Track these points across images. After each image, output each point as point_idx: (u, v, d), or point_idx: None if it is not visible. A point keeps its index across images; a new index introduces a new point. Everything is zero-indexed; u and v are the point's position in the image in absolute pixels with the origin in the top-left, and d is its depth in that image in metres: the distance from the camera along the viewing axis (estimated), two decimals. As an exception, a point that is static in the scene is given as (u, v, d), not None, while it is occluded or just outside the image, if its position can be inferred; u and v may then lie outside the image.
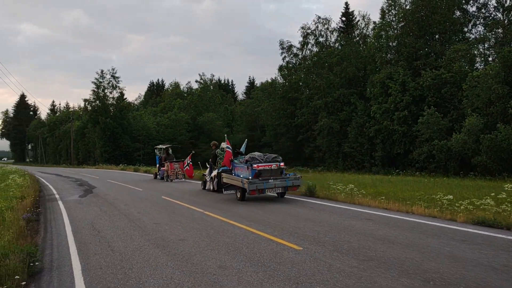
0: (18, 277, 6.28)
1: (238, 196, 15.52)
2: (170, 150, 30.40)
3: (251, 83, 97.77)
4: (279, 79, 57.59)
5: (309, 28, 51.29)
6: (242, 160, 15.72)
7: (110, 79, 69.82)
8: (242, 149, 19.64)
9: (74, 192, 21.39)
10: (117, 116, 67.34)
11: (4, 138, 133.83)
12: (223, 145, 18.45)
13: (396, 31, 39.58)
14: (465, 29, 39.02)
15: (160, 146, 31.90)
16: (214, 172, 19.22)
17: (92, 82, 69.67)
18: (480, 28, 38.72)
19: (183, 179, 27.02)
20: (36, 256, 7.31)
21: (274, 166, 15.02)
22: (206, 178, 20.28)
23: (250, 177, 14.41)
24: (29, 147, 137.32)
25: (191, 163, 26.09)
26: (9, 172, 36.58)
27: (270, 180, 14.35)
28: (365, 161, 40.71)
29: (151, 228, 10.33)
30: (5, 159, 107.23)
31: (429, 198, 12.86)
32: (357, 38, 49.97)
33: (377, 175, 32.67)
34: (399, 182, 21.77)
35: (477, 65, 37.12)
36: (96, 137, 69.24)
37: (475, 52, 36.21)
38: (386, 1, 40.37)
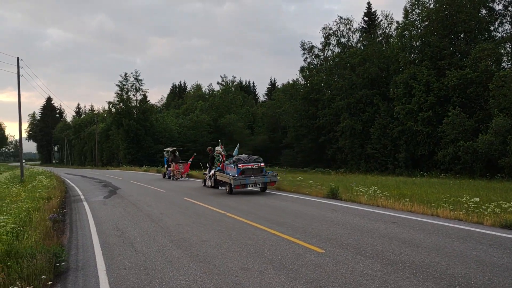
0: (44, 276, 6.42)
1: (227, 190, 18.84)
2: (177, 152, 33.83)
3: (272, 84, 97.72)
4: (301, 80, 57.31)
5: (330, 29, 50.96)
6: (231, 161, 19.08)
7: (134, 82, 70.87)
8: (235, 152, 22.00)
9: (99, 193, 21.73)
10: (140, 118, 68.19)
11: (31, 140, 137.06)
12: (218, 149, 21.50)
13: (419, 30, 38.92)
14: (491, 28, 38.08)
15: (168, 149, 34.66)
16: (212, 172, 22.17)
17: (116, 85, 70.90)
18: (507, 27, 37.76)
19: (187, 178, 30.31)
20: (62, 257, 7.44)
21: (255, 166, 18.63)
22: (206, 176, 23.65)
23: (236, 175, 17.89)
24: (55, 149, 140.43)
25: (190, 162, 31.72)
26: (36, 174, 37.48)
27: (251, 177, 17.81)
28: (388, 163, 40.14)
29: (174, 229, 10.40)
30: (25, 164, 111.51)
31: (454, 201, 12.59)
32: (380, 38, 49.33)
33: (401, 176, 32.17)
34: (424, 184, 21.40)
35: (504, 64, 36.18)
36: (120, 139, 70.25)
37: (502, 51, 35.27)
38: (409, 1, 39.76)
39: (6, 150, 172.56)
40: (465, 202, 11.72)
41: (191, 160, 32.15)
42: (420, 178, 28.44)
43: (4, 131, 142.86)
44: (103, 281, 6.47)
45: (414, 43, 39.51)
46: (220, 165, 20.65)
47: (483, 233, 8.81)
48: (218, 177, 20.08)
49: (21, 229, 9.66)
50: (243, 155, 19.83)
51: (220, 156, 21.03)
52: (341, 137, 45.49)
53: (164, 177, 32.79)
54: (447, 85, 33.78)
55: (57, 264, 7.09)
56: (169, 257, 7.68)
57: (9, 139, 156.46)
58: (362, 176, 32.63)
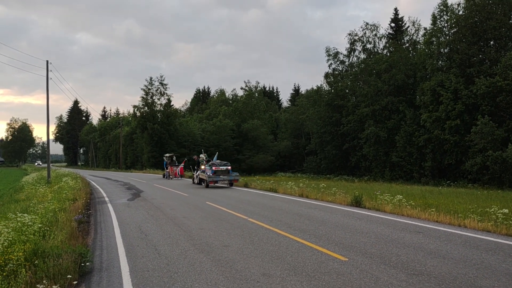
0: (70, 276, 6.51)
1: (204, 185, 27.20)
2: (174, 157, 42.54)
3: (296, 90, 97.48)
4: (325, 86, 56.97)
5: (356, 35, 50.60)
6: (208, 165, 27.10)
7: (159, 86, 71.69)
8: (215, 159, 30.28)
9: (123, 195, 22.03)
10: (164, 122, 68.91)
11: (58, 142, 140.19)
12: (201, 156, 29.84)
13: (448, 37, 38.26)
14: (523, 35, 37.14)
15: (167, 154, 43.42)
16: (197, 173, 29.48)
17: (142, 89, 71.85)
18: (539, 34, 36.73)
19: (180, 178, 39.03)
20: (87, 257, 7.55)
21: (224, 168, 26.63)
22: (194, 176, 30.70)
23: (211, 174, 25.97)
24: (81, 151, 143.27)
25: (182, 166, 41.30)
26: (62, 175, 38.22)
27: (221, 176, 26.21)
28: (414, 171, 39.43)
29: (196, 233, 10.44)
30: (39, 163, 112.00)
31: (482, 212, 12.25)
32: (407, 45, 48.71)
33: (427, 186, 31.57)
34: (450, 194, 20.94)
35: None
36: (144, 142, 71.12)
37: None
38: (437, 7, 39.14)
39: (34, 151, 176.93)
40: (493, 213, 11.38)
41: (183, 164, 41.43)
42: (446, 188, 27.86)
43: (32, 133, 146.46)
44: (126, 283, 6.52)
45: (442, 50, 38.86)
46: (202, 168, 28.33)
47: (513, 246, 8.54)
48: (200, 176, 28.30)
49: (48, 229, 9.85)
50: (217, 161, 28.15)
51: (204, 161, 28.85)
52: (365, 144, 44.96)
53: (163, 177, 41.03)
54: (475, 93, 33.04)
55: (82, 264, 7.20)
56: (191, 261, 7.69)
57: (37, 140, 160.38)
58: (386, 184, 32.16)
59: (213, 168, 26.16)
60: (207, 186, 26.31)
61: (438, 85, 35.99)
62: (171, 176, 38.93)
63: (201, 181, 28.34)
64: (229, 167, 26.94)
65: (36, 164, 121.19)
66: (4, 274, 6.54)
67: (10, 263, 6.88)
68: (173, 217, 13.19)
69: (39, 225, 9.72)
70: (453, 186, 31.61)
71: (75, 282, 6.52)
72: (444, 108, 34.89)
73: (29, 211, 12.49)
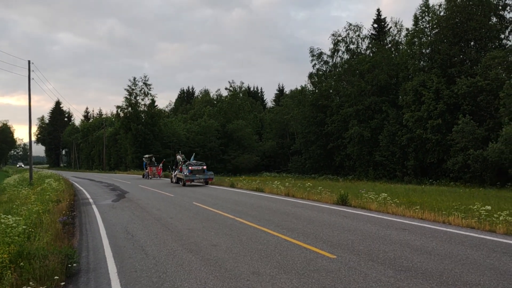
0: (57, 277, 6.43)
1: (181, 184, 28.65)
2: (153, 158, 44.25)
3: (281, 90, 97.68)
4: (309, 86, 57.21)
5: (339, 35, 50.91)
6: (186, 164, 28.67)
7: (142, 87, 71.08)
8: (192, 159, 31.89)
9: (107, 196, 21.80)
10: (149, 123, 68.39)
11: (40, 144, 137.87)
12: (178, 157, 31.48)
13: (429, 37, 38.81)
14: (502, 36, 37.82)
15: (146, 155, 45.25)
16: (175, 173, 31.35)
17: (125, 89, 71.13)
18: (518, 35, 37.53)
19: (158, 178, 41.00)
20: (74, 258, 7.46)
21: (200, 168, 28.36)
22: (172, 176, 32.55)
23: (187, 174, 27.61)
24: (63, 152, 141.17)
25: (162, 166, 43.23)
26: (44, 177, 37.63)
27: (197, 175, 27.91)
28: (397, 170, 39.91)
29: (184, 233, 10.40)
30: (21, 165, 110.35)
31: (466, 209, 12.47)
32: (389, 45, 49.24)
33: (410, 184, 31.99)
34: (433, 192, 21.26)
35: (515, 72, 35.94)
36: (128, 143, 70.48)
37: (513, 59, 35.08)
38: (419, 8, 39.70)
39: (15, 153, 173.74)
40: (476, 210, 11.60)
41: (161, 164, 43.52)
42: (429, 186, 28.27)
43: (13, 134, 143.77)
44: (114, 283, 6.47)
45: (423, 51, 39.40)
46: (179, 168, 29.73)
47: (496, 241, 8.72)
48: (178, 176, 29.97)
49: (32, 230, 9.69)
50: (194, 161, 29.99)
51: (181, 162, 30.30)
52: (349, 144, 45.33)
53: (143, 177, 42.94)
54: (457, 92, 33.60)
55: (69, 265, 7.11)
56: (179, 261, 7.66)
57: (18, 142, 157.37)
58: (370, 183, 32.49)
59: (190, 167, 27.98)
60: (184, 185, 27.97)
61: (420, 85, 36.50)
62: (150, 176, 41.03)
63: (178, 180, 30.00)
64: (205, 167, 28.88)
65: (18, 165, 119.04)
66: (-11, 276, 6.42)
67: (-5, 265, 6.75)
68: (160, 218, 13.11)
69: (24, 227, 9.54)
70: (436, 184, 32.08)
71: (62, 283, 6.44)
72: (426, 108, 35.39)
73: (12, 213, 12.24)
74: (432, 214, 11.84)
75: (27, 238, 8.91)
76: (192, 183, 28.38)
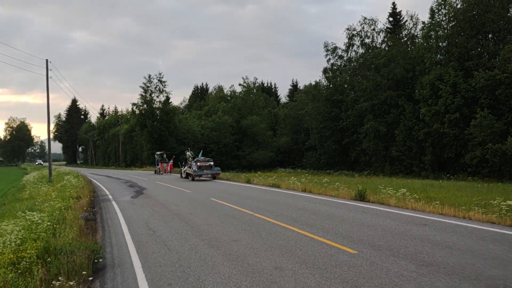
0: (85, 272, 6.59)
1: (190, 179, 30.62)
2: (165, 155, 46.78)
3: (294, 86, 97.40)
4: (323, 81, 57.01)
5: (354, 29, 50.57)
6: (194, 161, 30.80)
7: (157, 84, 71.62)
8: (200, 155, 33.71)
9: (126, 193, 22.10)
10: (164, 120, 68.90)
11: (57, 141, 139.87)
12: (187, 153, 34.16)
13: (446, 31, 38.33)
14: (521, 28, 37.22)
15: (158, 152, 47.52)
16: (184, 168, 33.29)
17: (140, 86, 71.73)
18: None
19: (169, 173, 42.58)
20: (100, 253, 7.62)
21: (207, 164, 30.41)
22: (182, 171, 34.34)
23: (196, 169, 29.62)
24: (80, 149, 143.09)
25: (172, 163, 44.93)
26: (63, 174, 38.22)
27: (204, 170, 29.82)
28: (414, 165, 39.60)
29: (204, 228, 10.53)
30: (40, 162, 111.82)
31: (486, 204, 12.38)
32: (405, 39, 48.72)
33: (427, 179, 31.71)
34: (451, 187, 21.07)
35: (534, 65, 35.29)
36: (144, 140, 71.13)
37: (532, 51, 34.44)
38: (435, 0, 39.19)
39: (32, 150, 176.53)
40: (497, 205, 11.51)
41: (172, 161, 45.41)
42: (447, 181, 28.00)
43: (30, 132, 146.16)
44: (140, 278, 6.61)
45: (440, 44, 38.95)
46: (189, 164, 31.75)
47: (518, 237, 8.66)
48: (187, 171, 32.10)
49: (56, 226, 9.92)
50: (202, 158, 32.05)
51: (190, 158, 32.71)
52: (365, 139, 45.10)
53: (155, 173, 44.56)
54: (474, 86, 33.17)
55: (95, 260, 7.28)
56: (202, 255, 7.79)
57: (35, 139, 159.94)
58: (387, 178, 32.30)
59: (198, 163, 30.03)
60: (192, 179, 30.07)
61: (437, 79, 36.10)
62: (161, 172, 43.27)
63: (188, 175, 31.94)
64: (212, 163, 31.09)
65: (37, 163, 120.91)
66: (19, 271, 6.61)
67: (23, 261, 6.95)
68: (179, 214, 13.28)
69: (48, 223, 9.78)
70: (453, 179, 31.76)
71: (90, 279, 6.60)
72: (443, 102, 35.02)
73: (35, 210, 12.52)
74: (452, 209, 11.78)
75: (52, 234, 9.12)
76: (200, 178, 30.20)
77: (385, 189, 15.84)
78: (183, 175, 33.40)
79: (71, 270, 6.65)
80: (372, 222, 10.65)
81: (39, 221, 9.79)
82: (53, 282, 6.04)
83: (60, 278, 6.23)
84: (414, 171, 39.09)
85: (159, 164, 44.21)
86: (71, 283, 6.10)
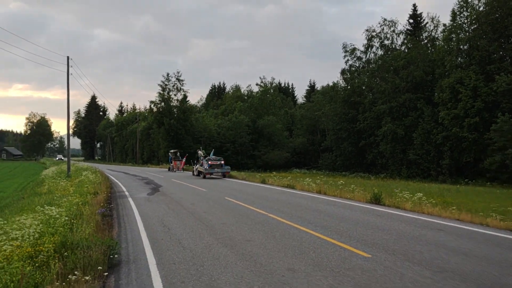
0: (100, 267, 6.70)
1: (201, 176, 31.52)
2: (178, 153, 47.96)
3: (312, 86, 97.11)
4: (341, 82, 56.78)
5: (374, 31, 50.21)
6: (206, 159, 31.81)
7: (175, 82, 72.02)
8: (211, 154, 34.75)
9: (142, 190, 22.32)
10: (181, 118, 69.29)
11: (76, 137, 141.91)
12: (199, 152, 35.60)
13: (467, 33, 37.79)
14: (545, 31, 36.45)
15: (172, 150, 49.07)
16: (196, 166, 34.73)
17: (158, 84, 72.23)
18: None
19: (182, 171, 43.95)
20: (115, 249, 7.73)
21: (218, 162, 31.42)
22: (194, 169, 35.64)
23: (207, 167, 30.77)
24: (98, 145, 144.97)
25: (185, 160, 46.62)
26: (81, 169, 38.78)
27: (215, 169, 30.97)
28: (431, 169, 39.11)
29: (218, 227, 10.59)
30: (61, 157, 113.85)
31: (504, 211, 12.18)
32: (425, 41, 48.18)
33: (444, 184, 31.32)
34: (469, 192, 20.79)
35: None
36: (161, 138, 71.66)
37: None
38: (457, 3, 38.66)
39: (52, 145, 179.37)
40: (516, 212, 11.32)
41: (184, 159, 46.93)
42: (464, 186, 27.61)
43: (50, 127, 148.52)
44: (154, 274, 6.69)
45: (461, 47, 38.42)
46: (201, 162, 32.90)
47: (537, 245, 8.50)
48: (198, 169, 33.28)
49: (73, 221, 10.08)
50: (213, 156, 33.16)
51: (202, 157, 33.96)
52: (382, 141, 44.72)
53: (168, 170, 46.32)
54: (496, 90, 32.62)
55: (111, 256, 7.38)
56: (215, 254, 7.84)
57: (55, 135, 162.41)
58: (403, 182, 31.98)
59: (209, 162, 31.28)
60: (204, 177, 31.02)
61: (457, 82, 35.61)
62: (174, 169, 44.78)
63: (199, 173, 33.16)
64: (222, 162, 32.22)
65: (57, 158, 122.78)
66: (36, 265, 6.74)
67: (41, 254, 7.09)
68: (194, 212, 13.37)
69: (65, 218, 9.95)
70: (471, 184, 31.29)
71: (105, 274, 6.70)
72: (463, 106, 34.53)
73: (54, 204, 12.74)
74: (469, 215, 11.62)
75: (69, 229, 9.28)
76: (211, 176, 31.35)
77: (401, 193, 15.69)
78: (195, 173, 34.70)
79: (87, 265, 6.76)
80: (387, 226, 10.57)
81: (57, 215, 9.98)
82: (69, 276, 6.15)
83: (76, 272, 6.34)
84: (432, 175, 38.62)
85: (173, 161, 45.82)
86: (87, 277, 6.20)
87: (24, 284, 5.80)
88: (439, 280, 6.25)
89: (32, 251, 7.13)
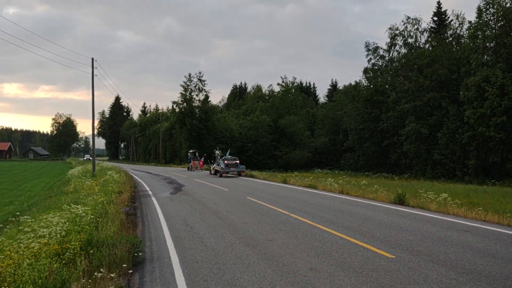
0: (125, 265, 6.81)
1: (218, 175, 33.72)
2: (197, 153, 49.87)
3: (334, 85, 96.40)
4: (364, 81, 56.15)
5: (397, 29, 49.48)
6: (222, 159, 33.65)
7: (197, 83, 72.54)
8: (227, 154, 36.79)
9: (165, 189, 22.58)
10: (203, 118, 69.74)
11: (100, 137, 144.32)
12: (216, 152, 37.97)
13: (494, 30, 36.91)
14: None
15: (191, 150, 51.24)
16: (213, 165, 36.89)
17: (181, 85, 72.90)
18: None
19: (200, 170, 45.45)
20: (140, 247, 7.85)
21: (234, 162, 33.21)
22: (211, 168, 37.96)
23: (223, 167, 32.64)
24: (122, 145, 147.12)
25: (203, 160, 48.02)
26: (106, 169, 39.46)
27: (231, 168, 32.77)
28: (457, 169, 38.35)
29: (240, 227, 10.63)
30: (88, 157, 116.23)
31: (533, 212, 11.85)
32: (450, 39, 47.26)
33: (470, 184, 30.66)
34: (496, 193, 20.29)
35: None
36: (183, 138, 72.26)
37: None
38: (483, 0, 37.80)
39: (77, 145, 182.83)
40: (545, 213, 11.00)
41: (202, 158, 48.51)
42: (491, 187, 26.98)
43: (75, 128, 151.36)
44: (178, 273, 6.77)
45: (487, 44, 37.55)
46: (218, 161, 35.20)
47: None
48: (215, 168, 35.48)
49: (99, 220, 10.28)
50: (229, 156, 35.02)
51: (219, 156, 36.58)
52: (406, 141, 44.06)
53: (188, 169, 48.09)
54: (524, 88, 31.76)
55: (135, 254, 7.50)
56: (238, 254, 7.87)
57: (80, 135, 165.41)
58: (428, 182, 31.45)
59: (225, 162, 33.15)
60: (220, 176, 33.22)
61: (483, 80, 34.83)
62: (193, 169, 46.38)
63: (216, 172, 35.35)
64: (238, 161, 34.10)
65: (85, 158, 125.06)
66: (63, 262, 6.90)
67: (68, 252, 7.25)
68: (216, 211, 13.46)
69: (91, 216, 10.16)
70: (498, 185, 30.55)
71: (130, 271, 6.82)
72: (490, 104, 33.75)
73: (79, 203, 13.01)
74: (496, 216, 11.37)
75: (95, 227, 9.46)
76: (228, 174, 33.33)
77: (426, 194, 15.44)
78: (212, 172, 36.83)
79: (112, 263, 6.89)
80: (411, 227, 10.43)
81: (83, 214, 10.18)
82: (95, 274, 6.27)
83: (101, 269, 6.46)
84: (457, 176, 37.86)
85: (192, 161, 47.56)
86: (112, 275, 6.31)
87: (51, 280, 5.95)
88: (465, 281, 6.14)
89: (59, 249, 7.28)
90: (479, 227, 10.36)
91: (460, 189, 22.56)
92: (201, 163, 47.44)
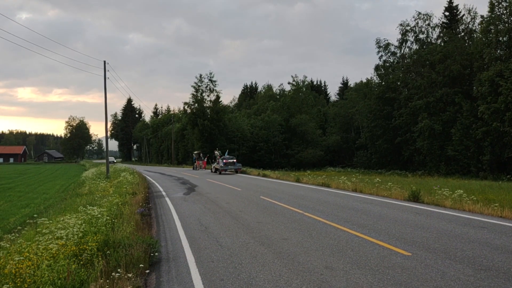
0: (142, 265, 6.88)
1: (218, 173, 37.85)
2: (201, 154, 54.31)
3: (345, 83, 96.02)
4: (375, 79, 55.85)
5: (408, 25, 49.14)
6: (221, 158, 38.24)
7: (208, 83, 72.72)
8: (226, 154, 41.45)
9: (178, 189, 22.69)
10: (214, 118, 69.94)
11: (113, 139, 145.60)
12: (216, 152, 42.52)
13: (507, 24, 36.42)
14: None
15: (196, 151, 56.79)
16: (214, 164, 40.70)
17: (192, 86, 73.19)
18: None
19: (204, 169, 48.95)
20: (156, 248, 7.92)
21: (231, 161, 37.52)
22: (212, 167, 41.61)
23: (222, 165, 37.13)
24: (134, 147, 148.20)
25: (206, 160, 52.47)
26: (119, 170, 39.77)
27: (229, 166, 37.09)
28: (471, 165, 37.94)
29: (254, 226, 10.65)
30: (113, 158, 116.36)
31: (551, 207, 11.67)
32: (462, 34, 46.75)
33: (485, 180, 30.29)
34: (512, 188, 19.99)
35: None
36: (195, 138, 72.57)
37: None
38: (495, -7, 37.32)
39: (90, 148, 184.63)
40: None
41: (205, 159, 52.90)
42: (507, 183, 26.61)
43: (89, 130, 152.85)
44: (194, 272, 6.81)
45: (500, 39, 37.09)
46: (217, 161, 39.29)
47: None
48: (215, 167, 39.44)
49: (114, 221, 10.38)
50: (227, 156, 39.78)
51: (218, 156, 40.98)
52: (419, 138, 43.71)
53: (193, 168, 52.62)
54: (539, 82, 31.30)
55: (151, 254, 7.57)
56: (253, 253, 7.89)
57: (93, 137, 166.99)
58: (442, 179, 31.16)
59: (224, 160, 37.67)
60: (219, 173, 37.40)
61: (497, 75, 34.40)
62: (197, 168, 50.75)
63: (216, 170, 39.31)
64: (235, 160, 38.48)
65: (113, 161, 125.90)
66: (81, 263, 6.99)
67: (85, 253, 7.34)
68: (230, 211, 13.50)
69: (107, 217, 10.26)
70: (515, 180, 30.14)
71: (147, 271, 6.88)
72: (504, 99, 33.33)
73: (95, 204, 13.15)
74: (513, 212, 11.22)
75: (111, 228, 9.56)
76: (226, 172, 37.84)
77: (441, 190, 15.30)
78: (213, 170, 40.77)
79: (129, 263, 6.96)
80: (427, 224, 10.35)
81: (99, 215, 10.28)
82: (112, 274, 6.34)
83: (119, 270, 6.53)
84: (472, 172, 37.46)
85: (196, 161, 52.15)
86: (129, 275, 6.38)
87: (70, 281, 6.03)
88: (482, 278, 6.09)
89: (76, 250, 7.38)
90: (496, 224, 10.25)
91: (475, 185, 22.31)
92: (204, 163, 51.66)
